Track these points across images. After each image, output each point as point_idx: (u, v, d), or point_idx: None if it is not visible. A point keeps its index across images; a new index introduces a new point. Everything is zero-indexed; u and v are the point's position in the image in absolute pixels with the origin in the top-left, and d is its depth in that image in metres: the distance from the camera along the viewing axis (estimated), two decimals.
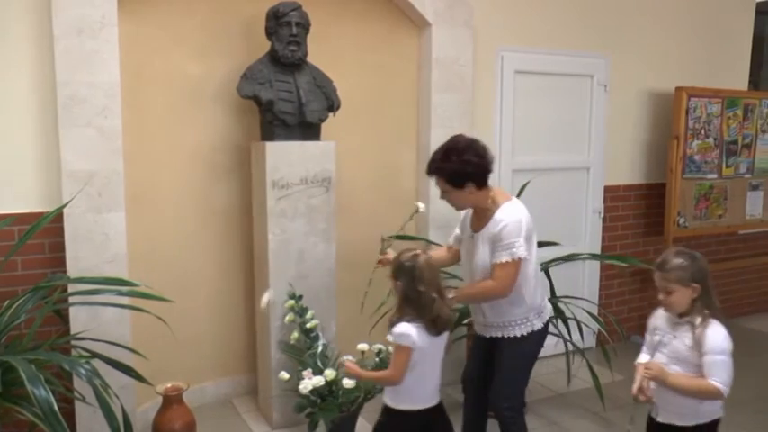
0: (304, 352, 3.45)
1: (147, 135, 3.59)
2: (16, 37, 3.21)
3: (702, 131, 5.05)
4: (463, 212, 3.03)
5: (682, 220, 5.06)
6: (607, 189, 5.07)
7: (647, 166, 5.28)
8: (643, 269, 5.22)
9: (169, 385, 3.38)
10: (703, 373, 2.33)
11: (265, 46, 3.61)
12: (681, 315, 2.45)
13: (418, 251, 2.61)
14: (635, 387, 2.40)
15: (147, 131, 3.58)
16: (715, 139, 5.13)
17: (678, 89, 4.92)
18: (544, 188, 4.64)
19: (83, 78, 3.18)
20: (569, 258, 4.09)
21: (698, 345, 2.35)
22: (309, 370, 3.28)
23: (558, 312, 3.93)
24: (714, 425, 2.50)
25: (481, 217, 2.84)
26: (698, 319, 2.39)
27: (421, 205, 3.46)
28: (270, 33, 3.56)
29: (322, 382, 3.24)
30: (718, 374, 2.30)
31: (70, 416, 3.21)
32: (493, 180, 4.48)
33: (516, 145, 4.60)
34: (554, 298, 3.97)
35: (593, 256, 4.61)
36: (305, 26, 3.56)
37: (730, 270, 5.87)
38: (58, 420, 2.25)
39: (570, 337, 3.90)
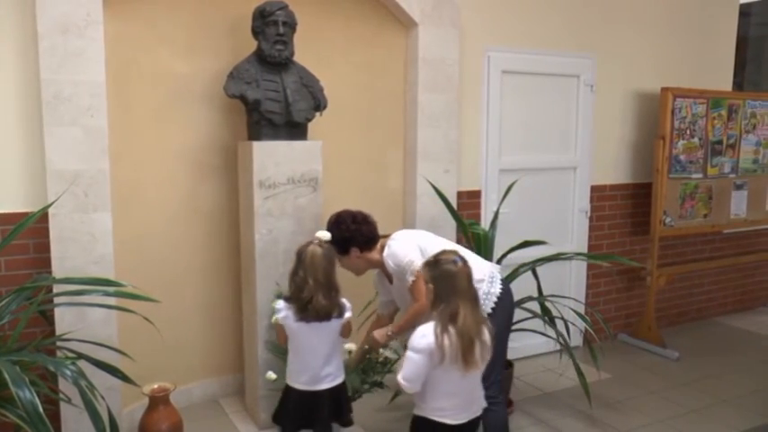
0: None
1: (134, 134, 3.56)
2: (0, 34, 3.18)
3: (688, 131, 5.09)
4: (375, 279, 3.37)
5: (668, 220, 5.09)
6: (594, 188, 5.09)
7: (633, 166, 5.32)
8: (630, 268, 5.26)
9: (156, 386, 3.36)
10: None
11: (252, 45, 3.59)
12: None
13: (315, 242, 2.89)
14: None
15: (133, 131, 3.56)
16: (700, 139, 5.18)
17: (664, 89, 4.95)
18: (531, 188, 4.66)
19: (68, 77, 3.16)
20: (556, 258, 4.10)
21: None
22: None
23: (545, 311, 3.95)
24: (420, 422, 2.56)
25: (385, 269, 3.16)
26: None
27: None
28: (256, 32, 3.55)
29: None
30: (402, 369, 2.46)
31: (55, 418, 3.19)
32: (480, 179, 4.54)
33: (503, 145, 4.61)
34: (541, 297, 3.99)
35: (580, 256, 4.64)
36: (291, 25, 3.56)
37: (715, 269, 5.92)
38: (43, 422, 2.23)
39: (557, 335, 3.91)
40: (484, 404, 2.64)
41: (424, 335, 2.39)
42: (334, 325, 2.84)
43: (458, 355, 2.37)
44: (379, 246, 3.16)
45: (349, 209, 3.22)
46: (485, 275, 3.00)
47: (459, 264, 2.47)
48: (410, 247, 3.01)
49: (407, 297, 3.06)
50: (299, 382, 2.88)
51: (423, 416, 2.53)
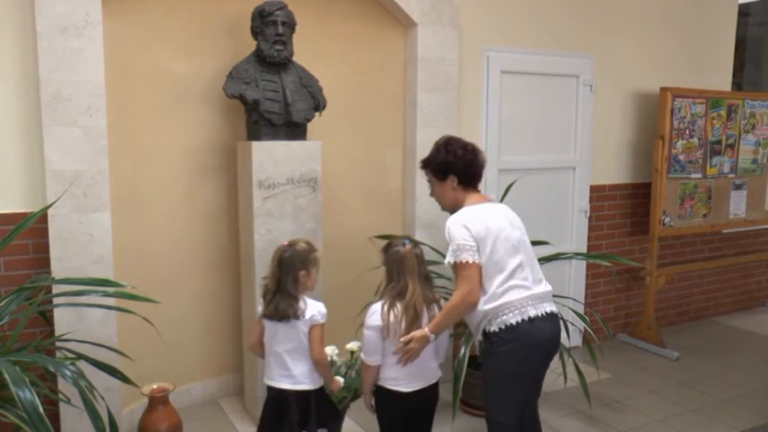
0: None
1: (133, 134, 3.56)
2: None
3: (687, 131, 5.09)
4: None
5: (667, 220, 5.09)
6: (593, 188, 5.10)
7: (632, 166, 5.32)
8: (629, 268, 5.26)
9: (155, 386, 3.36)
10: None
11: (251, 45, 3.59)
12: None
13: (286, 243, 2.83)
14: None
15: (132, 131, 3.56)
16: (699, 139, 5.18)
17: (663, 89, 4.95)
18: (530, 188, 4.67)
19: (67, 77, 3.16)
20: (555, 257, 4.11)
21: None
22: None
23: None
24: (379, 391, 2.78)
25: None
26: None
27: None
28: (255, 33, 3.55)
29: None
30: (363, 347, 2.73)
31: (55, 418, 3.19)
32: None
33: (502, 145, 4.61)
34: None
35: (579, 256, 4.64)
36: (291, 25, 3.56)
37: (714, 269, 5.93)
38: (42, 423, 2.22)
39: None
40: (439, 374, 2.81)
41: (374, 313, 2.67)
42: (298, 326, 2.73)
43: (402, 328, 2.62)
44: (472, 198, 2.77)
45: (462, 137, 2.90)
46: (499, 309, 2.62)
47: (408, 246, 2.71)
48: (462, 235, 2.60)
49: None
50: (267, 375, 2.83)
51: (380, 385, 2.77)
